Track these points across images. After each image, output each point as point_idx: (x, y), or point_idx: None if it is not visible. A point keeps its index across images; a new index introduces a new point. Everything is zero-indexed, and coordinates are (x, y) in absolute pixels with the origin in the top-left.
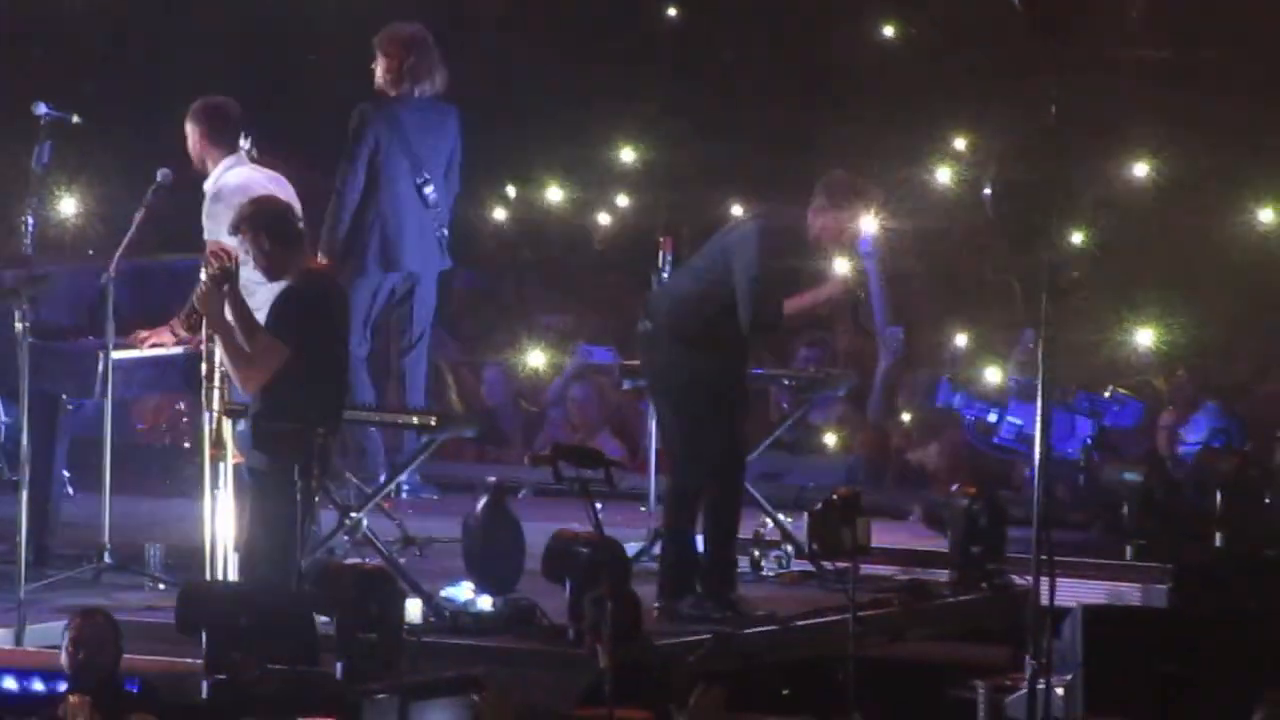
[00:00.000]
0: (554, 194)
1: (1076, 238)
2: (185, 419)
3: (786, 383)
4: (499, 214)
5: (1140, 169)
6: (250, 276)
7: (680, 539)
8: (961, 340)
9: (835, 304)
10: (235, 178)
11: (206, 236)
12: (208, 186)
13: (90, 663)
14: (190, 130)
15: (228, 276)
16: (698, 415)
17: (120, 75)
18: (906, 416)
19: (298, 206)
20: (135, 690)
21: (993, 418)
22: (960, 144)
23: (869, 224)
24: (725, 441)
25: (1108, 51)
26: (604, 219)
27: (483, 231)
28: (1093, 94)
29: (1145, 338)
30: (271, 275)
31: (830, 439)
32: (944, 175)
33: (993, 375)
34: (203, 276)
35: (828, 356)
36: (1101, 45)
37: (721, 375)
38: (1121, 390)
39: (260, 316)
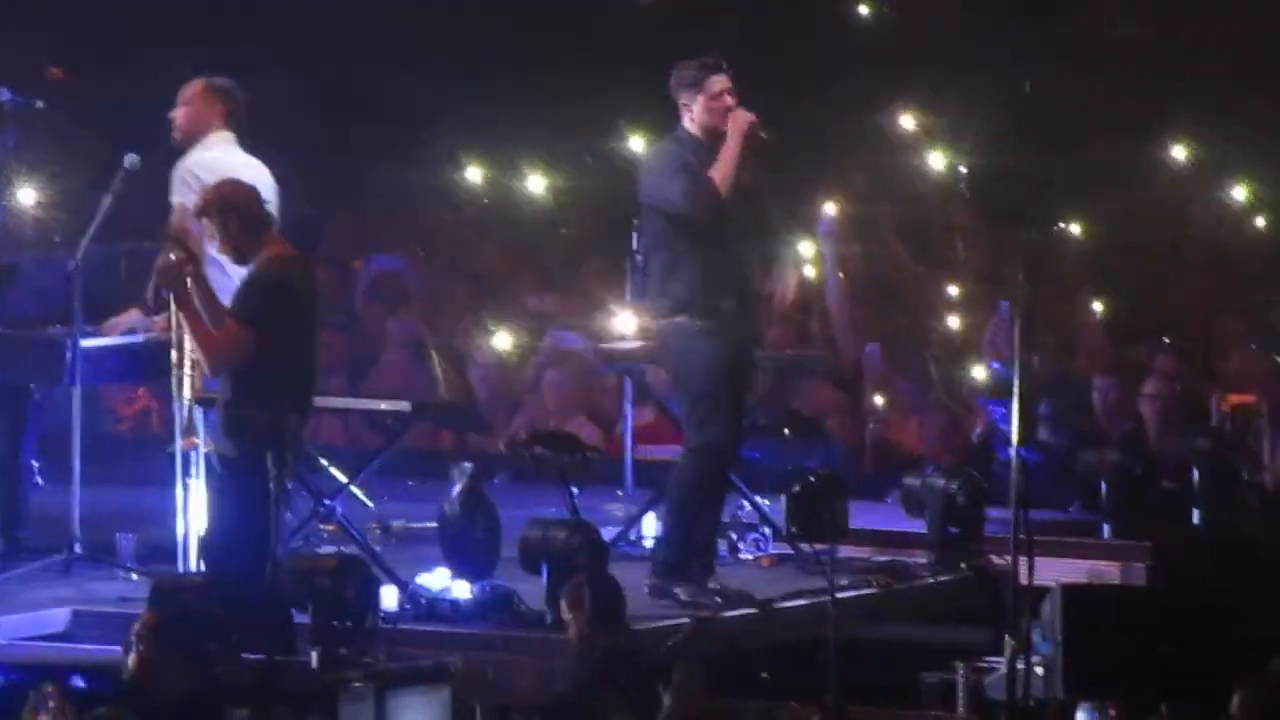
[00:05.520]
0: (529, 180)
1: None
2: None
3: (763, 365)
4: (469, 199)
5: (1119, 149)
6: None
7: (690, 523)
8: (954, 322)
9: (751, 137)
10: (216, 154)
11: (173, 197)
12: (190, 154)
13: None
14: (206, 104)
15: (191, 256)
16: (712, 396)
17: (86, 59)
18: (879, 400)
19: (271, 191)
20: (107, 687)
21: None
22: (937, 127)
23: (827, 206)
24: (736, 424)
25: (1086, 32)
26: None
27: (453, 216)
28: (1071, 75)
29: (1124, 311)
30: (238, 259)
31: (807, 421)
32: (921, 158)
33: (979, 372)
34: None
35: (794, 335)
36: (1080, 26)
37: (728, 349)
38: None
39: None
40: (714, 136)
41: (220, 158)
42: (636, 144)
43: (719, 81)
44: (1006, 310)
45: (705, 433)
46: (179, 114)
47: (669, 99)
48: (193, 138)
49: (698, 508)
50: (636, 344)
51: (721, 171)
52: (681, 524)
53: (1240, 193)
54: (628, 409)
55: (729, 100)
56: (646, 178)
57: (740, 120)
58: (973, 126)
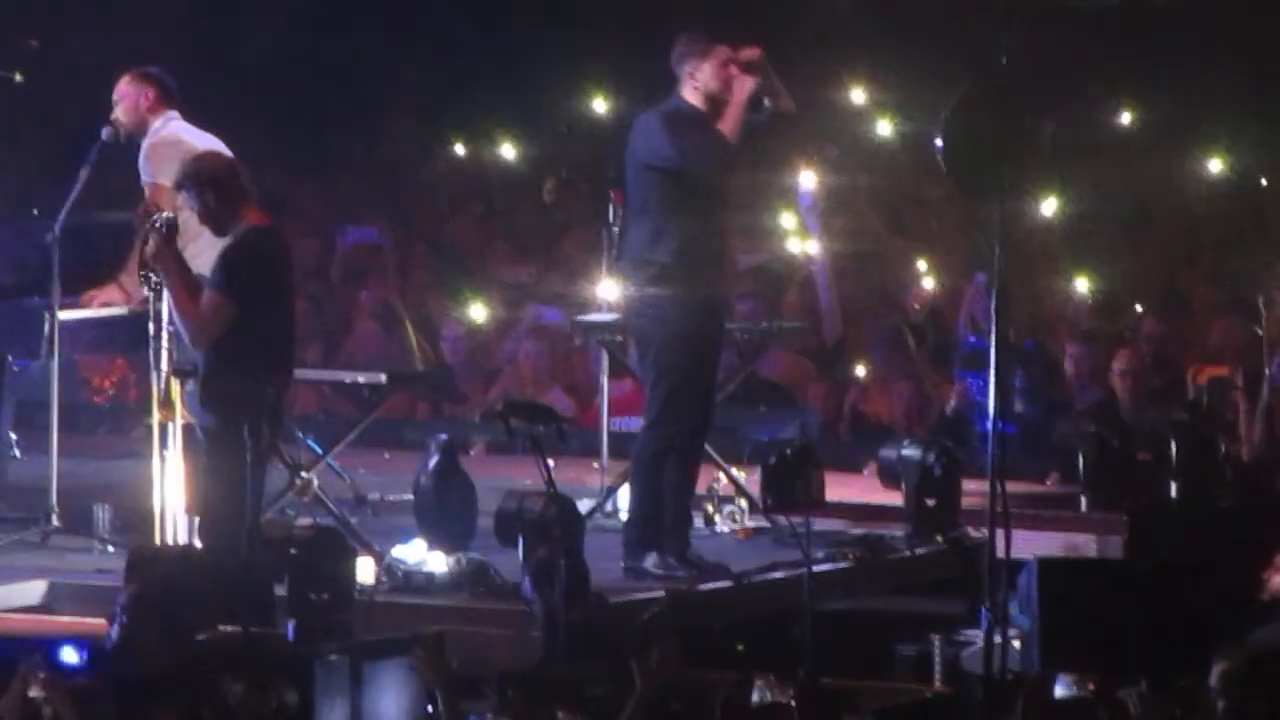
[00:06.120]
0: (504, 149)
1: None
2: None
3: (738, 336)
4: (447, 168)
5: (1089, 118)
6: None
7: (657, 496)
8: (930, 294)
9: (759, 83)
10: (173, 128)
11: (145, 179)
12: (149, 135)
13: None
14: (137, 91)
15: (173, 227)
16: (684, 368)
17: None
18: (861, 370)
19: None
20: (83, 657)
21: None
22: (909, 97)
23: (807, 179)
24: (706, 396)
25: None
26: (555, 175)
27: (431, 186)
28: (1044, 43)
29: (1098, 282)
30: (216, 231)
31: (781, 391)
32: (891, 129)
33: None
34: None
35: (767, 306)
36: None
37: (704, 321)
38: None
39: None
40: (715, 105)
41: (181, 127)
42: (600, 106)
43: (726, 50)
44: (982, 281)
45: (669, 409)
46: (118, 112)
47: (639, 68)
48: (142, 126)
49: (659, 481)
50: (611, 315)
51: (728, 125)
52: (647, 500)
53: (1211, 161)
54: (604, 381)
55: (735, 68)
56: (645, 138)
57: (746, 85)
58: (945, 97)
